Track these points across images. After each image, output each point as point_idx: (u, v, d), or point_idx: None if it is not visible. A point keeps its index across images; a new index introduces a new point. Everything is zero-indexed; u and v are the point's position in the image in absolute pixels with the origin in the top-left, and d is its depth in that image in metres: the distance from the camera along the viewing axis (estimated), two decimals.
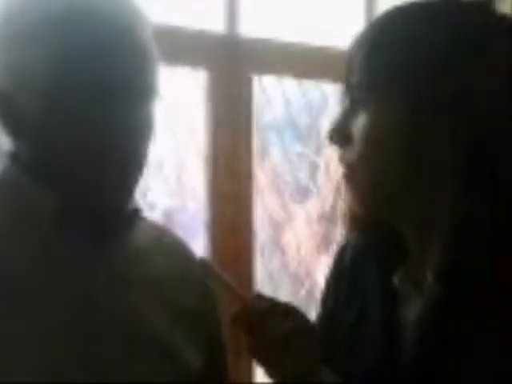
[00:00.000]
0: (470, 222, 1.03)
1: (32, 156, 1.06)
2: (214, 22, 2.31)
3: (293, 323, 1.06)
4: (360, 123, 1.06)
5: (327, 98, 2.66)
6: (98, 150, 1.03)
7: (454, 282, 1.02)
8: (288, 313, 1.08)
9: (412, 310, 1.07)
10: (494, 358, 0.99)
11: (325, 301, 1.23)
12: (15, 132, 1.05)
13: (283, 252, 2.59)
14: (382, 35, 1.05)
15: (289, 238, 2.60)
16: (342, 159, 1.09)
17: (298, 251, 2.61)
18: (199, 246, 2.25)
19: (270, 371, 1.08)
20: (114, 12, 1.04)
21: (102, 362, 1.05)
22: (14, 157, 1.08)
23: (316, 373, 1.07)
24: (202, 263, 1.12)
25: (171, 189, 2.29)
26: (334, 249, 2.58)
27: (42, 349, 1.01)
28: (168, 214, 2.26)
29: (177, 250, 1.23)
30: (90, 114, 1.02)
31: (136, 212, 1.11)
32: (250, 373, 2.30)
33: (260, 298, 1.09)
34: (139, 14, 1.07)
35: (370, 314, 1.12)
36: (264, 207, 2.52)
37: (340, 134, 1.08)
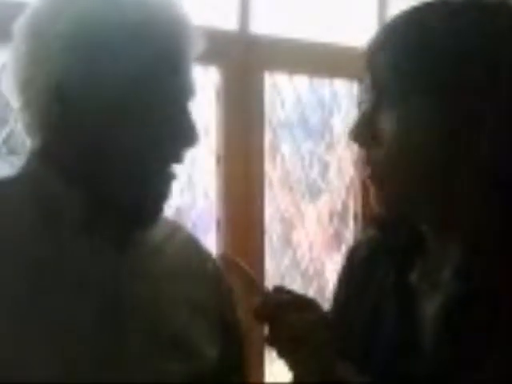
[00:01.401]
0: (496, 222, 1.03)
1: (69, 156, 1.08)
2: (226, 20, 2.32)
3: (312, 316, 1.07)
4: (388, 122, 1.04)
5: (339, 96, 2.66)
6: (142, 157, 1.06)
7: (472, 280, 1.02)
8: (307, 305, 1.08)
9: (429, 308, 1.06)
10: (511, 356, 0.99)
11: (336, 298, 1.24)
12: (58, 132, 1.07)
13: (294, 250, 2.59)
14: (414, 32, 1.04)
15: (300, 236, 2.60)
16: (366, 159, 1.08)
17: (308, 249, 2.61)
18: (210, 243, 2.25)
19: (289, 363, 1.08)
20: (179, 28, 1.09)
21: (125, 356, 1.06)
22: (42, 154, 1.10)
23: (335, 366, 1.07)
24: (223, 257, 1.13)
25: (182, 186, 2.29)
26: (345, 247, 2.58)
27: (65, 344, 1.02)
28: (179, 212, 2.26)
29: (190, 245, 1.25)
30: (144, 122, 1.06)
31: (159, 211, 1.12)
32: (261, 371, 2.31)
33: (280, 290, 1.10)
34: (189, 24, 1.12)
35: (384, 312, 1.11)
36: (275, 205, 2.52)
37: (365, 133, 1.07)
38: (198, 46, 1.12)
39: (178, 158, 1.10)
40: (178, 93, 1.09)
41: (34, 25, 1.07)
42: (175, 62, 1.09)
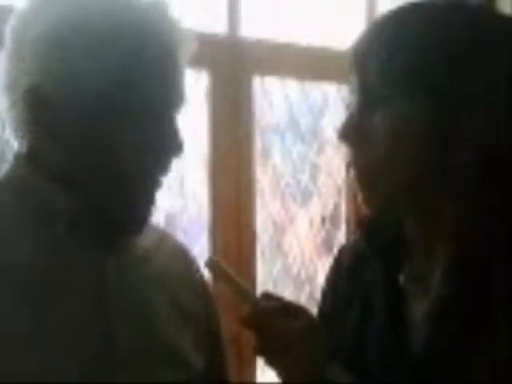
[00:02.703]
0: (483, 222, 1.03)
1: (56, 158, 1.06)
2: (216, 24, 2.31)
3: (301, 322, 1.06)
4: (376, 123, 1.04)
5: (329, 99, 2.66)
6: (128, 162, 1.05)
7: (461, 280, 1.02)
8: (296, 312, 1.08)
9: (419, 309, 1.06)
10: (504, 356, 0.99)
11: (324, 301, 1.23)
12: (46, 132, 1.06)
13: (285, 255, 2.59)
14: (401, 32, 1.04)
15: (291, 241, 2.59)
16: (353, 159, 1.07)
17: (299, 254, 2.61)
18: (201, 249, 2.24)
19: (278, 371, 1.08)
20: (165, 31, 1.07)
21: (111, 361, 1.05)
22: (29, 156, 1.09)
23: (325, 372, 1.06)
24: (212, 262, 1.12)
25: (173, 192, 2.29)
26: (335, 250, 2.57)
27: (50, 347, 1.01)
28: (170, 218, 2.25)
29: (178, 252, 1.24)
30: (131, 127, 1.04)
31: (144, 218, 1.11)
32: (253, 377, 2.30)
33: (268, 297, 1.09)
34: (180, 28, 1.09)
35: (374, 314, 1.11)
36: (266, 210, 2.51)
37: (353, 134, 1.06)
38: (188, 50, 1.10)
39: (162, 167, 1.08)
40: (165, 100, 1.07)
41: (14, 28, 1.06)
42: (163, 66, 1.06)
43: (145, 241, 1.14)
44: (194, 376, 1.14)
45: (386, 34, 1.05)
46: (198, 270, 1.24)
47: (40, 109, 1.04)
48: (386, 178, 1.04)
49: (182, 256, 1.24)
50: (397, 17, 1.06)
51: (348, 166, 1.10)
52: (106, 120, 1.04)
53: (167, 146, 1.07)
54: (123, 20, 1.04)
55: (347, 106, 1.12)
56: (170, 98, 1.08)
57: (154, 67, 1.05)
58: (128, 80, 1.03)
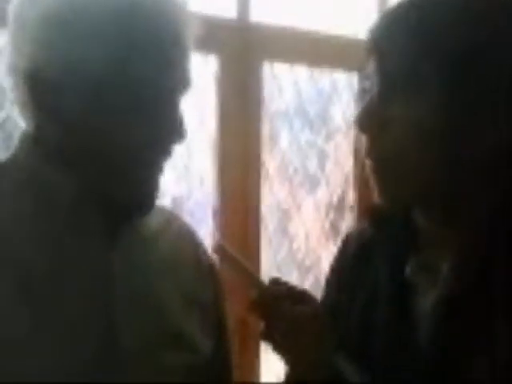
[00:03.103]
0: (496, 216, 1.02)
1: (58, 142, 1.06)
2: (225, 9, 2.30)
3: (308, 308, 1.06)
4: (398, 109, 1.01)
5: (338, 87, 2.65)
6: (131, 148, 1.04)
7: (471, 273, 1.01)
8: (303, 298, 1.08)
9: (426, 303, 1.05)
10: (506, 356, 0.98)
11: (328, 289, 1.22)
12: (48, 116, 1.05)
13: (291, 240, 2.59)
14: (425, 18, 1.01)
15: (297, 227, 2.59)
16: (370, 147, 1.04)
17: (305, 240, 2.61)
18: (206, 233, 2.24)
19: (285, 357, 1.08)
20: (169, 13, 1.05)
21: (119, 346, 1.05)
22: (34, 139, 1.08)
23: (331, 358, 1.06)
24: (220, 247, 1.12)
25: (179, 176, 2.28)
26: (341, 238, 2.57)
27: (57, 335, 1.01)
28: (175, 201, 2.26)
29: (185, 235, 1.23)
30: (133, 112, 1.03)
31: (150, 202, 1.10)
32: (255, 368, 2.31)
33: (276, 282, 1.09)
34: (186, 10, 1.08)
35: (379, 304, 1.10)
36: (272, 195, 2.51)
37: (372, 121, 1.03)
38: (193, 33, 1.08)
39: (163, 153, 1.07)
40: (169, 84, 1.06)
41: (15, 9, 1.05)
42: (167, 50, 1.05)
43: (152, 222, 1.14)
44: (201, 360, 1.14)
45: (409, 19, 1.02)
46: (205, 251, 1.24)
47: (41, 93, 1.03)
48: (404, 171, 1.02)
49: (190, 237, 1.24)
50: (420, 2, 1.03)
51: (363, 156, 1.06)
52: (107, 103, 1.02)
53: (169, 131, 1.06)
54: (125, 2, 1.02)
55: (361, 92, 1.10)
56: (173, 82, 1.06)
57: (157, 50, 1.03)
58: (130, 63, 1.02)
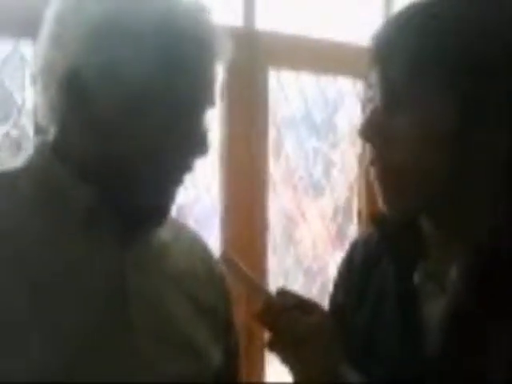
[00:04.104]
0: (503, 223, 1.01)
1: (83, 149, 1.06)
2: (232, 16, 2.31)
3: (315, 318, 1.06)
4: (405, 123, 1.01)
5: (344, 94, 2.65)
6: (156, 161, 1.05)
7: (479, 280, 1.01)
8: (310, 309, 1.07)
9: (434, 310, 1.05)
10: None
11: (334, 297, 1.22)
12: (79, 120, 1.05)
13: (297, 247, 2.59)
14: (430, 25, 1.00)
15: (302, 234, 2.60)
16: (375, 157, 1.04)
17: (311, 246, 2.61)
18: (213, 240, 2.24)
19: (292, 368, 1.07)
20: (207, 31, 1.07)
21: (129, 353, 1.05)
22: (54, 145, 1.08)
23: (339, 370, 1.06)
24: (226, 258, 1.12)
25: (185, 182, 2.28)
26: (347, 245, 2.56)
27: (68, 337, 1.01)
28: (182, 208, 2.26)
29: (197, 245, 1.24)
30: (166, 127, 1.04)
31: (164, 214, 1.11)
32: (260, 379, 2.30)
33: (283, 293, 1.08)
34: (220, 33, 1.09)
35: (386, 312, 1.10)
36: (278, 202, 2.51)
37: (376, 131, 1.03)
38: (226, 52, 1.09)
39: (185, 166, 1.08)
40: (198, 99, 1.07)
41: (58, 12, 1.05)
42: (199, 66, 1.06)
43: (163, 233, 1.14)
44: (211, 369, 1.14)
45: (413, 27, 1.01)
46: (215, 262, 1.23)
47: (75, 94, 1.03)
48: (409, 180, 1.02)
49: (201, 248, 1.24)
50: (424, 9, 1.02)
51: (369, 164, 1.06)
52: (143, 116, 1.03)
53: (193, 146, 1.06)
54: (166, 15, 1.03)
55: (365, 101, 1.09)
56: (202, 97, 1.07)
57: (190, 66, 1.04)
58: (170, 78, 1.03)
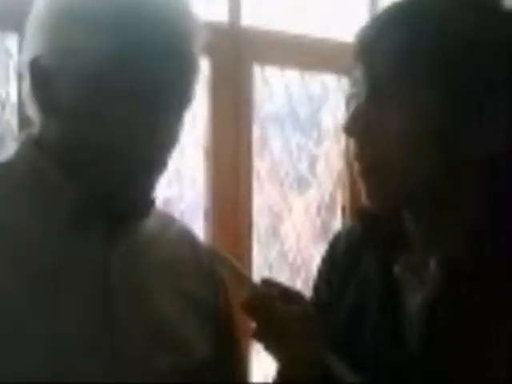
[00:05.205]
0: (485, 218, 1.02)
1: (58, 142, 1.06)
2: (216, 13, 2.32)
3: (299, 308, 1.07)
4: (387, 114, 1.01)
5: (328, 90, 2.67)
6: (128, 148, 1.04)
7: (458, 272, 1.02)
8: (294, 298, 1.08)
9: (415, 300, 1.06)
10: (500, 347, 0.99)
11: (317, 289, 1.23)
12: (47, 112, 1.05)
13: (281, 242, 2.60)
14: (414, 22, 1.00)
15: (287, 228, 2.61)
16: (359, 153, 1.04)
17: (296, 241, 2.62)
18: (197, 235, 2.25)
19: (276, 356, 1.08)
20: (175, 16, 1.04)
21: (116, 347, 1.05)
22: (36, 140, 1.08)
23: (322, 357, 1.07)
24: (212, 250, 1.12)
25: (170, 178, 2.29)
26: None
27: (56, 332, 1.01)
28: (167, 203, 2.26)
29: (184, 238, 1.23)
30: (129, 111, 1.02)
31: (152, 203, 1.11)
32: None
33: (267, 283, 1.09)
34: (195, 20, 1.07)
35: (368, 304, 1.11)
36: (263, 197, 2.52)
37: (360, 127, 1.03)
38: (200, 42, 1.08)
39: (158, 157, 1.07)
40: (164, 89, 1.04)
41: (35, 9, 1.06)
42: (169, 54, 1.03)
43: (150, 225, 1.13)
44: (197, 364, 1.13)
45: (399, 23, 1.01)
46: (205, 254, 1.22)
47: (40, 81, 1.03)
48: (391, 175, 1.02)
49: (189, 240, 1.23)
50: (410, 6, 1.03)
51: (353, 160, 1.06)
52: (102, 100, 1.02)
53: (158, 138, 1.05)
54: (133, 2, 1.02)
55: (348, 98, 1.09)
56: (170, 84, 1.05)
57: (152, 50, 1.02)
58: (128, 62, 1.01)
